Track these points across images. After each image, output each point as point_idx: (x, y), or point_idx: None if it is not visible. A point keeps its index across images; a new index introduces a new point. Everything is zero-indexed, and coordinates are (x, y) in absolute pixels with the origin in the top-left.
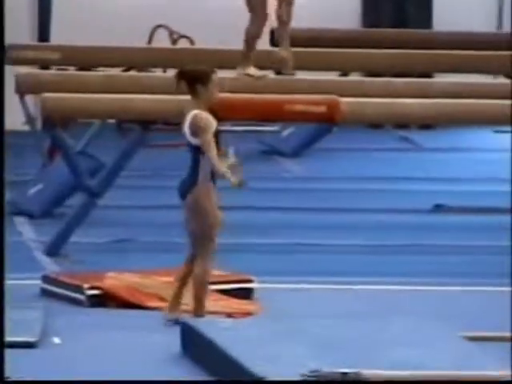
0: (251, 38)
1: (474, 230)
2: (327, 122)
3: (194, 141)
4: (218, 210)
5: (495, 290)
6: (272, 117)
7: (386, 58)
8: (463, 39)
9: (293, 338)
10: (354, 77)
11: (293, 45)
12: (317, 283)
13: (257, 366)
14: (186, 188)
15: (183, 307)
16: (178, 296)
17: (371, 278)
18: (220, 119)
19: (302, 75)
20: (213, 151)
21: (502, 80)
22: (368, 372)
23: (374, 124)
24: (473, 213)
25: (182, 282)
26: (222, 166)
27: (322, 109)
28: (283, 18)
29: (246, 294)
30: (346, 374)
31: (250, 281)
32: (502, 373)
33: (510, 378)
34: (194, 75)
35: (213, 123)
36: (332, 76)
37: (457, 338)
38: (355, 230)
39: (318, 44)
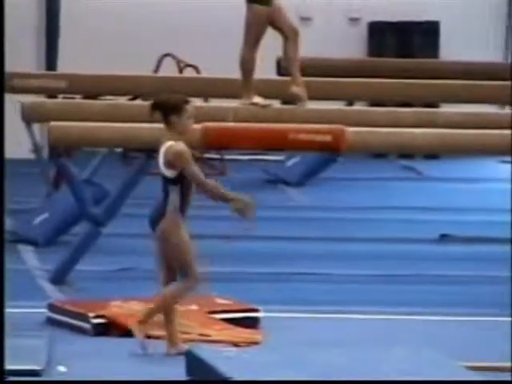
0: (246, 65)
1: (479, 259)
2: (332, 151)
3: (167, 172)
4: (187, 239)
5: (501, 320)
6: (277, 146)
7: (391, 88)
8: (469, 69)
9: (296, 367)
10: (360, 106)
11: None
12: (321, 312)
13: None
14: (155, 219)
15: (184, 336)
16: (171, 329)
17: (375, 308)
18: (219, 148)
19: (308, 104)
20: (202, 177)
21: (508, 110)
22: None
23: (379, 153)
24: (478, 243)
25: (166, 313)
26: (220, 189)
27: (328, 138)
28: (289, 56)
29: (251, 323)
30: None
31: (255, 310)
32: None
33: None
34: (168, 105)
35: (189, 153)
36: (337, 105)
37: (458, 367)
38: (360, 260)
39: (323, 73)
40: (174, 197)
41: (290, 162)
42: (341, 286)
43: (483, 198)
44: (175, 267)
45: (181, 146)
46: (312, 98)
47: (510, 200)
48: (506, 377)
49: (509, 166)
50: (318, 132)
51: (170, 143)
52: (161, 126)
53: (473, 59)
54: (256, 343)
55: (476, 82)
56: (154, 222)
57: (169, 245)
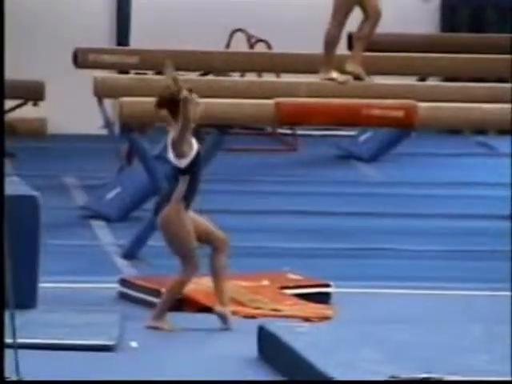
0: (330, 41)
1: None
2: (405, 126)
3: (176, 162)
4: (189, 228)
5: None
6: (349, 121)
7: (464, 63)
8: None
9: (369, 343)
10: (432, 82)
11: (371, 49)
12: (393, 288)
13: (333, 372)
14: (159, 205)
15: (256, 311)
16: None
17: (447, 284)
18: (292, 123)
19: (379, 80)
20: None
21: None
22: (449, 378)
23: (452, 129)
24: None
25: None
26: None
27: (400, 113)
28: (363, 33)
29: (323, 298)
30: (427, 380)
31: (327, 285)
32: None
33: None
34: (172, 101)
35: (193, 147)
36: (410, 81)
37: None
38: (432, 236)
39: (396, 49)
40: (182, 186)
41: (362, 138)
42: (413, 262)
43: None
44: (175, 255)
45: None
46: (384, 73)
47: None
48: None
49: None
50: (390, 107)
51: (172, 135)
52: (234, 101)
53: None
54: (327, 319)
55: None
56: (157, 208)
57: (169, 232)
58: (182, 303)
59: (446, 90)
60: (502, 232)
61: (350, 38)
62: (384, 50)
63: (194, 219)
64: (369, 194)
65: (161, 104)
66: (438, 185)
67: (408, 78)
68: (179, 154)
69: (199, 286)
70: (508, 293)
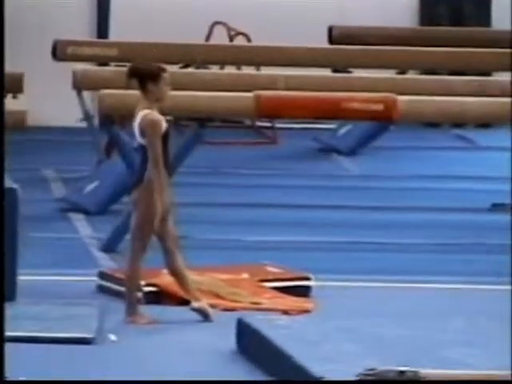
0: None
1: None
2: (384, 120)
3: (142, 140)
4: (156, 212)
5: None
6: (329, 114)
7: (443, 57)
8: None
9: (349, 337)
10: (412, 75)
11: (351, 43)
12: (373, 281)
13: (313, 365)
14: (132, 186)
15: (235, 304)
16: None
17: (428, 277)
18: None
19: (359, 73)
20: (158, 157)
21: None
22: (425, 371)
23: (431, 122)
24: None
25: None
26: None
27: (380, 107)
28: None
29: (303, 291)
30: (403, 372)
31: (307, 278)
32: None
33: None
34: (145, 73)
35: (162, 125)
36: (389, 74)
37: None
38: (411, 229)
39: (376, 42)
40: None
41: (341, 131)
42: (392, 256)
43: None
44: (132, 234)
45: (155, 116)
46: (364, 66)
47: None
48: None
49: None
50: (370, 101)
51: (145, 112)
52: (215, 94)
53: None
54: (307, 312)
55: None
56: (130, 189)
57: (138, 210)
58: (160, 296)
59: (425, 84)
60: (481, 225)
61: (330, 31)
62: (364, 43)
63: (165, 209)
64: (348, 187)
65: (133, 74)
66: (418, 178)
67: (387, 72)
68: (143, 132)
69: None
70: (489, 286)
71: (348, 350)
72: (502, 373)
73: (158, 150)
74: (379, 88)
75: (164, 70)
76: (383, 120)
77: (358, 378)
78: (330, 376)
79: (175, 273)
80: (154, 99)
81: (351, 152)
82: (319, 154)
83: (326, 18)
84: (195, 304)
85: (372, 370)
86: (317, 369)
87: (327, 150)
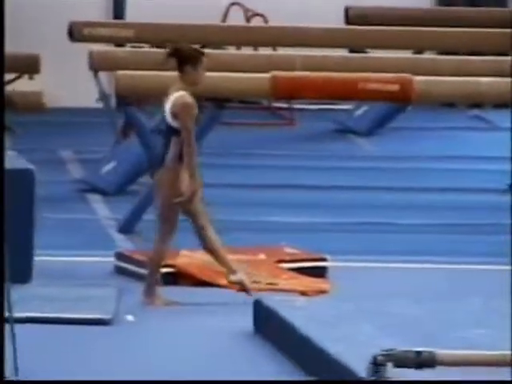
0: None
1: None
2: (401, 100)
3: (172, 122)
4: (182, 192)
5: None
6: (346, 95)
7: (460, 37)
8: None
9: (365, 318)
10: (428, 55)
11: (367, 23)
12: (390, 262)
13: (330, 346)
14: (155, 167)
15: (252, 285)
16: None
17: (445, 258)
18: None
19: (376, 53)
20: (193, 139)
21: None
22: (442, 352)
23: (448, 103)
24: None
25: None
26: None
27: (396, 87)
28: None
29: (319, 272)
30: (420, 353)
31: (323, 259)
32: None
33: None
34: (185, 54)
35: (195, 108)
36: (406, 54)
37: None
38: (429, 209)
39: (393, 22)
40: (174, 147)
41: (358, 112)
42: (410, 236)
43: None
44: (158, 217)
45: (189, 99)
46: (381, 47)
47: None
48: None
49: None
50: (386, 81)
51: (179, 93)
52: (231, 75)
53: None
54: (324, 292)
55: None
56: (153, 171)
57: (162, 194)
58: (177, 277)
59: (442, 64)
60: (497, 206)
61: (347, 12)
62: (380, 23)
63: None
64: (365, 167)
65: (173, 54)
66: (434, 159)
67: (404, 52)
68: (176, 114)
69: (193, 259)
70: (504, 267)
71: (365, 331)
72: None
73: (192, 132)
74: (396, 68)
75: (203, 54)
76: (399, 100)
77: (376, 359)
78: (346, 356)
79: (210, 249)
80: (190, 82)
81: (368, 133)
82: (336, 135)
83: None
84: (233, 277)
85: (388, 350)
86: (334, 349)
87: (344, 131)
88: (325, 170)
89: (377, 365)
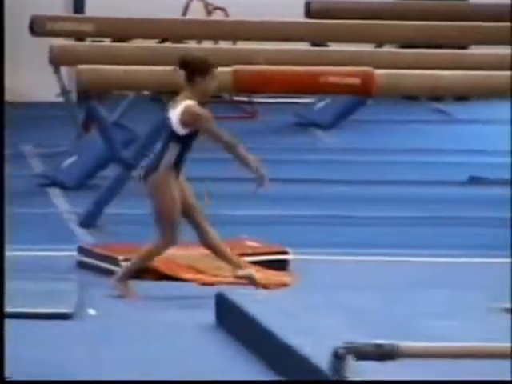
0: None
1: (509, 202)
2: (362, 94)
3: (179, 129)
4: (177, 198)
5: None
6: (307, 89)
7: (421, 30)
8: (499, 11)
9: (328, 310)
10: (389, 48)
11: (328, 17)
12: (351, 255)
13: (292, 338)
14: (148, 171)
15: (213, 279)
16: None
17: (405, 250)
18: (249, 91)
19: (336, 47)
20: (223, 137)
21: None
22: (404, 344)
23: (409, 96)
24: (508, 185)
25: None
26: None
27: (357, 81)
28: None
29: (281, 265)
30: (381, 346)
31: (285, 252)
32: None
33: None
34: (195, 65)
35: (208, 113)
36: (367, 48)
37: (493, 309)
38: (389, 202)
39: (355, 16)
40: (172, 153)
41: (319, 105)
42: (370, 229)
43: None
44: (156, 223)
45: (199, 109)
46: (342, 40)
47: None
48: None
49: None
50: (347, 74)
51: (188, 102)
52: None
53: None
54: (285, 285)
55: (504, 24)
56: (146, 173)
57: (155, 198)
58: (139, 272)
59: (403, 57)
60: (458, 198)
61: (308, 5)
62: (342, 17)
63: (183, 189)
64: (327, 160)
65: (183, 66)
66: (396, 151)
67: (366, 46)
68: (185, 123)
69: None
70: (466, 259)
71: (327, 324)
72: (483, 345)
73: (218, 133)
74: (357, 62)
75: (213, 65)
76: (361, 94)
77: (337, 352)
78: (308, 349)
79: (209, 246)
80: (199, 92)
81: (330, 126)
82: (298, 129)
83: None
84: (240, 272)
85: (350, 343)
86: (295, 342)
87: (306, 125)
88: (286, 162)
89: (338, 358)
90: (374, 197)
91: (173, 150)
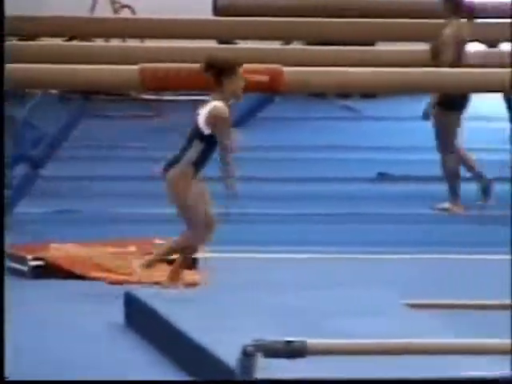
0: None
1: (417, 198)
2: (270, 91)
3: (205, 128)
4: (196, 193)
5: (438, 257)
6: (215, 86)
7: (328, 27)
8: (404, 8)
9: (239, 309)
10: (297, 45)
11: (236, 14)
12: (261, 252)
13: (202, 337)
14: (170, 164)
15: (122, 277)
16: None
17: (315, 247)
18: (156, 89)
19: (244, 44)
20: (229, 144)
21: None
22: (313, 341)
23: (317, 93)
24: (416, 181)
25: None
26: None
27: (265, 78)
28: None
29: (191, 264)
30: (290, 342)
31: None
32: (446, 340)
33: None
34: (220, 67)
35: (228, 120)
36: (274, 45)
37: (401, 305)
38: (298, 200)
39: (262, 13)
40: (195, 151)
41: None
42: (278, 227)
43: (420, 136)
44: (178, 209)
45: (224, 112)
46: (250, 37)
47: None
48: (447, 314)
49: None
50: (255, 72)
51: (216, 103)
52: (99, 67)
53: None
54: (195, 284)
55: (411, 21)
56: (167, 166)
57: (173, 193)
58: (47, 270)
59: (311, 54)
60: (367, 195)
61: (215, 3)
62: (249, 14)
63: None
64: (236, 158)
65: (209, 68)
66: (304, 148)
67: (273, 43)
68: (210, 123)
69: (64, 252)
70: (375, 256)
71: (238, 322)
72: (392, 341)
73: (227, 135)
74: (266, 59)
75: (239, 64)
76: (269, 91)
77: (246, 350)
78: (218, 348)
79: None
80: (228, 93)
81: (238, 123)
82: None
83: None
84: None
85: (258, 340)
86: (205, 341)
87: None
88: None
89: (247, 355)
90: (281, 194)
91: (195, 148)
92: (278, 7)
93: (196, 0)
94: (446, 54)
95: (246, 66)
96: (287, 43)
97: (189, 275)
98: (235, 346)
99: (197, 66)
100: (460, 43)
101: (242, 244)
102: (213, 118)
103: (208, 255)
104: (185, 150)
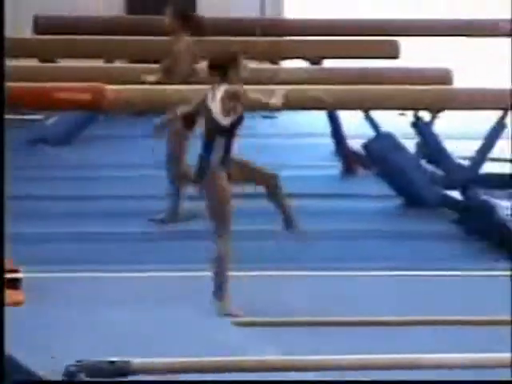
0: None
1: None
2: (93, 109)
3: (222, 119)
4: (229, 194)
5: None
6: (38, 105)
7: (149, 45)
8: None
9: (65, 328)
10: (121, 64)
11: (56, 32)
12: (75, 272)
13: (26, 357)
14: (203, 171)
15: None
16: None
17: (141, 266)
18: None
19: (67, 63)
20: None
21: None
22: (138, 360)
23: (143, 111)
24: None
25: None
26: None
27: (87, 96)
28: None
29: (13, 284)
30: (113, 362)
31: (15, 271)
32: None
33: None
34: (224, 62)
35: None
36: (99, 63)
37: (226, 323)
38: (127, 217)
39: (83, 31)
40: (220, 148)
41: (50, 121)
42: (109, 245)
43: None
44: (212, 218)
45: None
46: (71, 56)
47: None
48: (272, 330)
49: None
50: (77, 90)
51: (225, 87)
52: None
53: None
54: (18, 304)
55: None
56: (201, 174)
57: (212, 197)
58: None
59: (136, 72)
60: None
61: (36, 21)
62: (69, 32)
63: (239, 163)
64: (63, 177)
65: (214, 66)
66: (131, 166)
67: (97, 61)
68: (228, 104)
69: None
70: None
71: (63, 341)
72: (218, 359)
73: (255, 96)
74: (89, 77)
75: (239, 54)
76: (92, 109)
77: (69, 370)
78: (38, 367)
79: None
80: (233, 82)
81: (62, 142)
82: (31, 145)
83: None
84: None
85: (82, 361)
86: (27, 361)
87: (39, 141)
88: (22, 180)
89: (70, 376)
90: (118, 212)
91: (219, 146)
92: (99, 25)
93: (18, 18)
94: (180, 70)
95: (68, 84)
96: (110, 61)
97: (11, 295)
98: (56, 364)
99: (21, 84)
100: (192, 59)
101: (69, 263)
102: (232, 94)
103: (33, 275)
104: (209, 153)
